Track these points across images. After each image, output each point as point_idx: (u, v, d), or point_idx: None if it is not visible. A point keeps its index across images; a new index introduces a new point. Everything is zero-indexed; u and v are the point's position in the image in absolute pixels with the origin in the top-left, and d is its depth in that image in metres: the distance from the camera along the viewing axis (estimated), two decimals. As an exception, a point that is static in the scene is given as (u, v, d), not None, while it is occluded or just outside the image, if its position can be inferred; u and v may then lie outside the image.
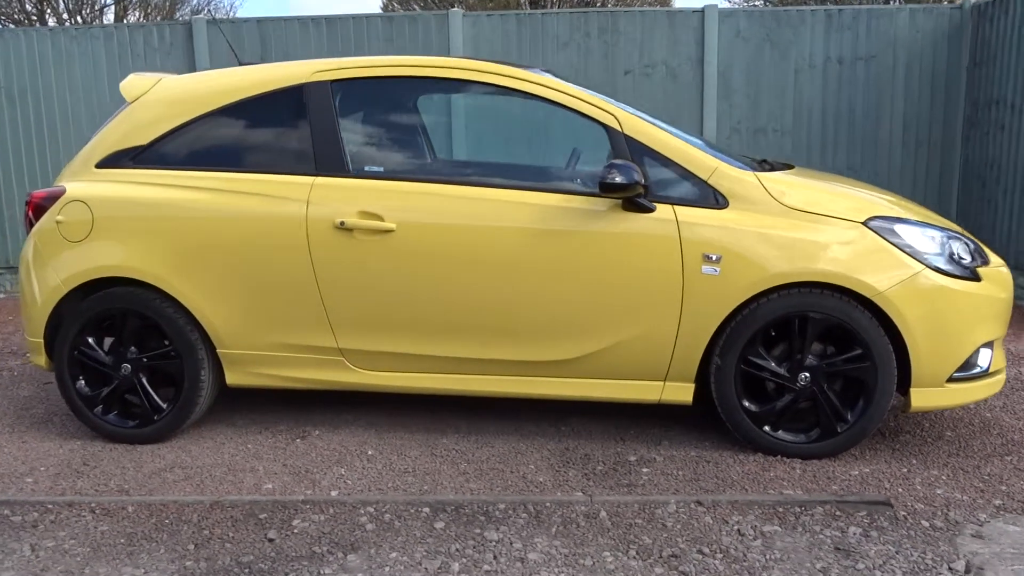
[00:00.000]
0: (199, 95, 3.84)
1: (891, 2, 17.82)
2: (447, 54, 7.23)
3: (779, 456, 3.52)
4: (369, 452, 3.69)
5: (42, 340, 3.90)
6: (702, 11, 7.52)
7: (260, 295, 3.70)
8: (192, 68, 7.61)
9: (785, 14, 7.59)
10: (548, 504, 3.10)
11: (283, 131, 3.79)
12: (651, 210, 3.45)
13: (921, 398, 3.43)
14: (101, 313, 3.81)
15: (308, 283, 3.65)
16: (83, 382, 3.89)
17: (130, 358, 3.84)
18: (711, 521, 2.94)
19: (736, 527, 2.90)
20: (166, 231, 3.72)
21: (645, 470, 3.44)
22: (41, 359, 3.95)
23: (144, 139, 3.86)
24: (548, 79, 3.67)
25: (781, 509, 3.03)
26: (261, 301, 3.71)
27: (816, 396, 3.48)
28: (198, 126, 3.83)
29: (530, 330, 3.56)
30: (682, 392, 3.59)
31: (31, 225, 3.91)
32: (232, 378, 3.84)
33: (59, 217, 3.81)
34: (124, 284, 3.79)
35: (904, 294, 3.31)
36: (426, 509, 3.10)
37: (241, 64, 4.03)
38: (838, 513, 2.98)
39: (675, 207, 3.47)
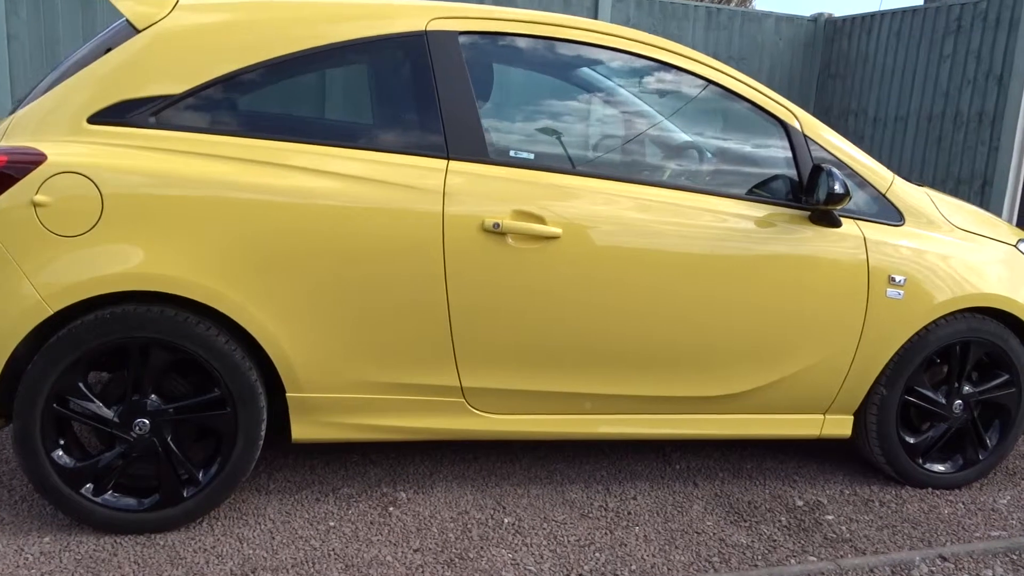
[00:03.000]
0: (267, 30, 2.68)
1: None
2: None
3: (928, 489, 3.34)
4: (506, 520, 2.87)
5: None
6: (600, -6, 7.23)
7: (364, 318, 2.69)
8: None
9: (671, 7, 7.51)
10: (795, 573, 2.60)
11: (397, 94, 2.78)
12: (839, 225, 3.04)
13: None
14: (108, 345, 2.53)
15: (435, 302, 2.72)
16: (62, 451, 2.58)
17: (151, 410, 2.61)
18: (975, 580, 2.66)
19: (1007, 585, 2.65)
20: (225, 225, 2.55)
21: (829, 518, 3.05)
22: (-13, 416, 2.55)
23: (175, 87, 2.61)
24: (725, 66, 3.08)
25: (1015, 555, 2.82)
26: (364, 326, 2.70)
27: (965, 425, 3.34)
28: (265, 75, 2.67)
29: (699, 359, 2.98)
30: (841, 425, 3.25)
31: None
32: (301, 431, 2.77)
33: (39, 197, 2.45)
34: (141, 300, 2.56)
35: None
36: (673, 601, 2.44)
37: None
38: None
39: (859, 222, 3.10)
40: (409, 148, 2.73)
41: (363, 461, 3.27)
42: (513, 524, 2.83)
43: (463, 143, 2.76)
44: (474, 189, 2.72)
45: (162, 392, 2.65)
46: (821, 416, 3.21)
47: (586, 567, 2.60)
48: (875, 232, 3.09)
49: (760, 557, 2.72)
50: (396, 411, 2.82)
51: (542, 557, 2.64)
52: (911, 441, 3.30)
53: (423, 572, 2.52)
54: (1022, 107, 5.91)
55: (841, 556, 2.76)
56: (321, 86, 2.79)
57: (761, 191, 3.05)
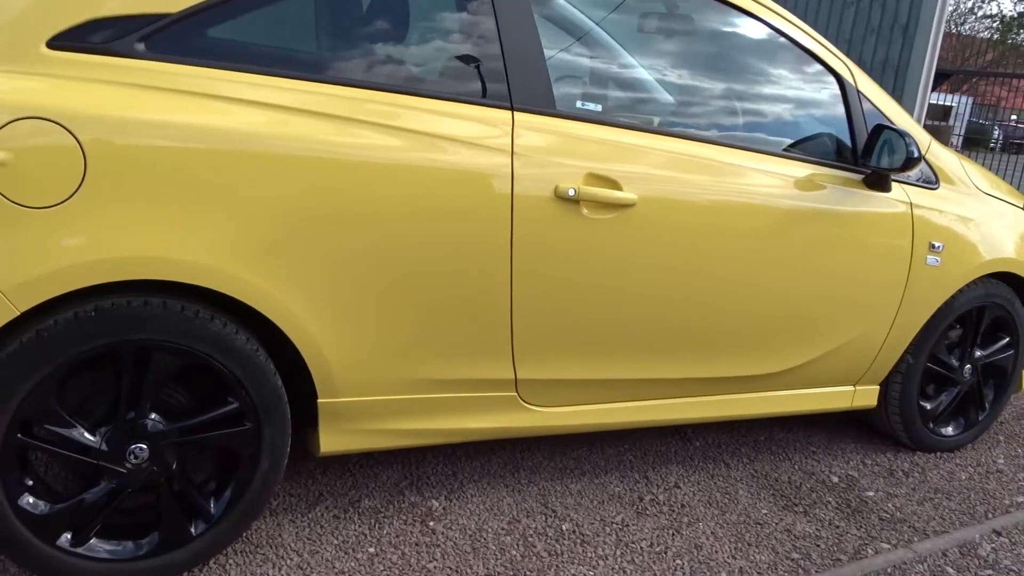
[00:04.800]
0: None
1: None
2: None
3: (936, 453, 3.33)
4: (564, 527, 2.52)
5: (-68, 415, 1.82)
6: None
7: (414, 304, 2.20)
8: None
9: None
10: (881, 565, 2.46)
11: (452, 30, 2.24)
12: (890, 189, 2.86)
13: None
14: (92, 352, 1.89)
15: (497, 281, 2.27)
16: (29, 493, 1.94)
17: (152, 433, 2.01)
18: (1037, 555, 2.64)
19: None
20: (249, 191, 1.95)
21: (870, 494, 2.94)
22: (-81, 454, 1.84)
23: (169, 4, 1.94)
24: (788, 13, 2.76)
25: (1054, 524, 2.84)
26: (413, 314, 2.21)
27: (971, 388, 3.35)
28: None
29: (765, 335, 2.73)
30: (869, 396, 3.14)
31: None
32: (331, 442, 2.25)
33: (-5, 153, 1.74)
34: (132, 291, 1.93)
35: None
36: (785, 613, 2.22)
37: None
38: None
39: (903, 186, 2.93)
40: (467, 95, 2.22)
41: (368, 462, 2.79)
42: (573, 531, 2.49)
43: (529, 91, 2.28)
44: (545, 147, 2.27)
45: (161, 408, 2.04)
46: (852, 388, 3.08)
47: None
48: (918, 196, 2.94)
49: (835, 548, 2.55)
50: (440, 412, 2.37)
51: (624, 571, 2.33)
52: (927, 407, 3.25)
53: (508, 606, 2.13)
54: (926, 57, 6.06)
55: (909, 540, 2.64)
56: (363, 17, 2.19)
57: (810, 152, 2.79)
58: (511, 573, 2.26)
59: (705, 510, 2.70)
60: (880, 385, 3.17)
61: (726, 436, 3.28)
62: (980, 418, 3.39)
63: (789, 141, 2.77)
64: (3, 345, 1.84)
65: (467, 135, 2.17)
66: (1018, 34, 28.14)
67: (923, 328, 3.08)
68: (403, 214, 2.10)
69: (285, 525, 2.39)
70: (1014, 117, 18.09)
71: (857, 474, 3.08)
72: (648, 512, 2.65)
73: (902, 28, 6.16)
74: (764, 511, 2.74)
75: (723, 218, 2.51)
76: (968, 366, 3.28)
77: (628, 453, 3.04)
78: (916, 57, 6.10)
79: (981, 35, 27.35)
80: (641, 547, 2.45)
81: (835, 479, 3.02)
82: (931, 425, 3.28)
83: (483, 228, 2.20)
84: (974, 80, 20.26)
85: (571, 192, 2.26)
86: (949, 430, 3.35)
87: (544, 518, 2.55)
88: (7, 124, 1.74)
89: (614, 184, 2.34)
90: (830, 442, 3.33)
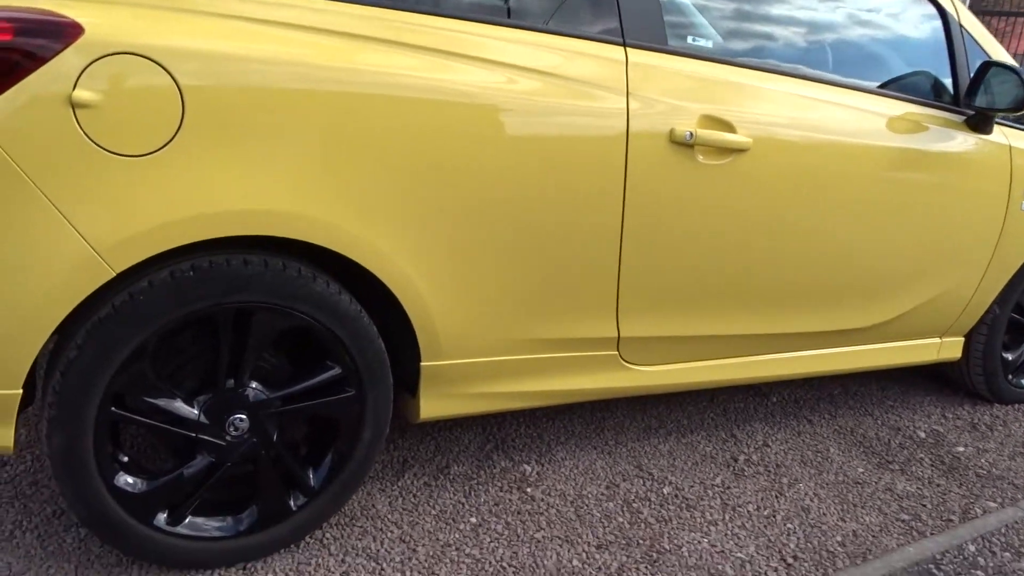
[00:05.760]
0: None
1: None
2: None
3: (1014, 405, 3.25)
4: (665, 491, 2.40)
5: (20, 391, 1.63)
6: None
7: (521, 258, 2.03)
8: None
9: None
10: (995, 525, 2.37)
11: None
12: (991, 131, 2.71)
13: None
14: (190, 317, 1.71)
15: (607, 231, 2.11)
16: (124, 470, 1.78)
17: (253, 402, 1.84)
18: None
19: None
20: (363, 135, 1.76)
21: (961, 449, 2.85)
22: (5, 433, 1.67)
23: (265, -77, 1.72)
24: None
25: None
26: (520, 269, 2.04)
27: (1038, 337, 3.25)
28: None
29: (868, 286, 2.60)
30: (953, 348, 3.03)
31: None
32: (431, 408, 2.10)
33: (80, 94, 1.53)
34: (221, 248, 1.75)
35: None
36: (911, 579, 2.12)
37: None
38: None
39: (1002, 127, 2.78)
40: (578, 30, 2.02)
41: (447, 425, 2.64)
42: (675, 496, 2.37)
43: (641, 26, 2.09)
44: (659, 87, 2.08)
45: (259, 376, 1.87)
46: (938, 340, 2.97)
47: (790, 545, 2.21)
48: (1015, 138, 2.79)
49: (942, 508, 2.46)
50: (541, 373, 2.22)
51: (738, 538, 2.21)
52: (1008, 359, 3.15)
53: (628, 578, 2.01)
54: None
55: (1014, 499, 2.55)
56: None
57: (909, 92, 2.62)
58: (623, 541, 2.14)
59: (801, 470, 2.59)
60: (964, 337, 3.06)
61: (802, 391, 3.17)
62: (1038, 366, 3.31)
63: (887, 79, 2.60)
64: (94, 310, 1.65)
65: (580, 74, 1.98)
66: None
67: (1012, 277, 2.96)
68: (514, 160, 1.92)
69: (376, 495, 2.24)
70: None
71: (942, 429, 2.99)
72: (746, 473, 2.53)
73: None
74: (860, 470, 2.63)
75: (832, 162, 2.35)
76: (1037, 315, 3.18)
77: (708, 410, 2.92)
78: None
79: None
80: (748, 511, 2.34)
81: (922, 434, 2.93)
82: (1010, 377, 3.19)
83: (596, 175, 2.03)
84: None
85: (688, 135, 2.09)
86: (1018, 380, 3.25)
87: (642, 481, 2.42)
88: (95, 61, 1.53)
89: (728, 127, 2.17)
90: (905, 396, 3.23)
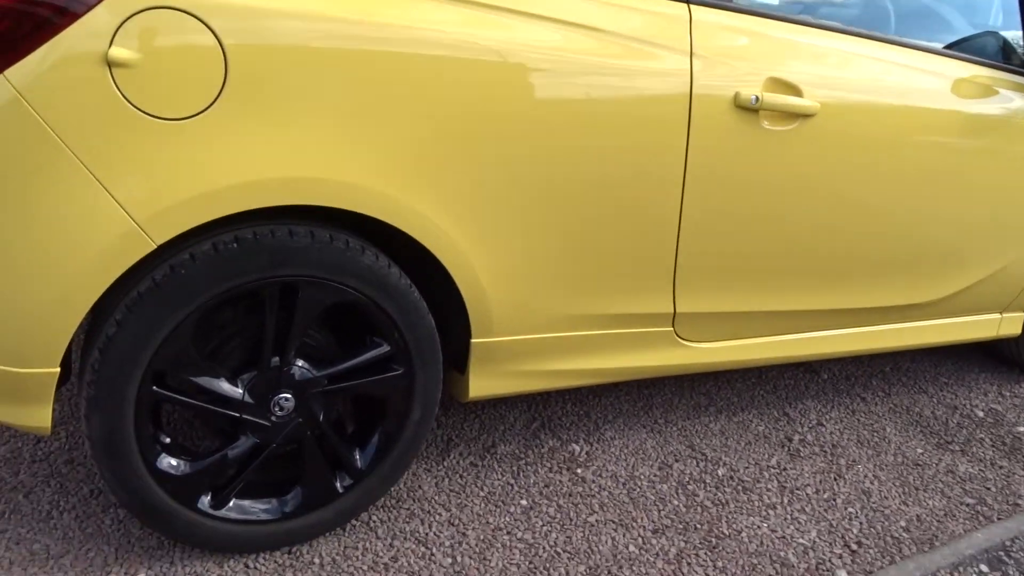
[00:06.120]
0: None
1: None
2: None
3: (1069, 382, 3.13)
4: (720, 472, 2.30)
5: (58, 369, 1.55)
6: None
7: (579, 229, 1.92)
8: None
9: None
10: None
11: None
12: (1062, 95, 2.56)
13: None
14: (233, 293, 1.61)
15: (667, 202, 1.99)
16: (166, 452, 1.70)
17: (299, 381, 1.75)
18: None
19: None
20: (407, 98, 1.65)
21: (1022, 428, 2.74)
22: (43, 413, 1.58)
23: None
24: None
25: None
26: (577, 240, 1.94)
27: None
28: None
29: (936, 259, 2.47)
30: (1014, 324, 2.90)
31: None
32: (480, 386, 2.01)
33: (117, 52, 1.43)
34: (264, 219, 1.65)
35: None
36: (982, 566, 2.02)
37: None
38: None
39: (1074, 92, 2.63)
40: (636, -17, 1.89)
41: (491, 403, 2.56)
42: (731, 477, 2.28)
43: (705, -21, 1.96)
44: (725, 47, 1.96)
45: (304, 354, 1.78)
46: (999, 316, 2.84)
47: (853, 530, 2.11)
48: (1088, 104, 2.63)
49: (1007, 491, 2.35)
50: (593, 351, 2.12)
51: (799, 522, 2.12)
52: (1061, 333, 3.03)
53: (688, 565, 1.92)
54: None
55: (1082, 480, 2.44)
56: None
57: (976, 54, 2.47)
58: (680, 526, 2.05)
59: (858, 450, 2.49)
60: (1024, 312, 2.93)
61: (853, 368, 3.05)
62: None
63: (955, 40, 2.45)
64: (134, 285, 1.56)
65: (641, 32, 1.86)
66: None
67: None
68: (571, 125, 1.80)
69: (422, 475, 2.16)
70: None
71: (1000, 407, 2.87)
72: (802, 454, 2.43)
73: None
74: (919, 451, 2.53)
75: (899, 129, 2.22)
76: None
77: (757, 388, 2.82)
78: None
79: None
80: (807, 494, 2.24)
81: (980, 413, 2.81)
82: (1057, 351, 3.07)
83: (658, 142, 1.91)
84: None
85: (754, 99, 1.96)
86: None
87: (695, 462, 2.33)
88: (132, 16, 1.43)
89: (795, 90, 2.04)
90: (959, 372, 3.12)
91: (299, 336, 1.72)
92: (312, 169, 1.57)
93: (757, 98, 1.96)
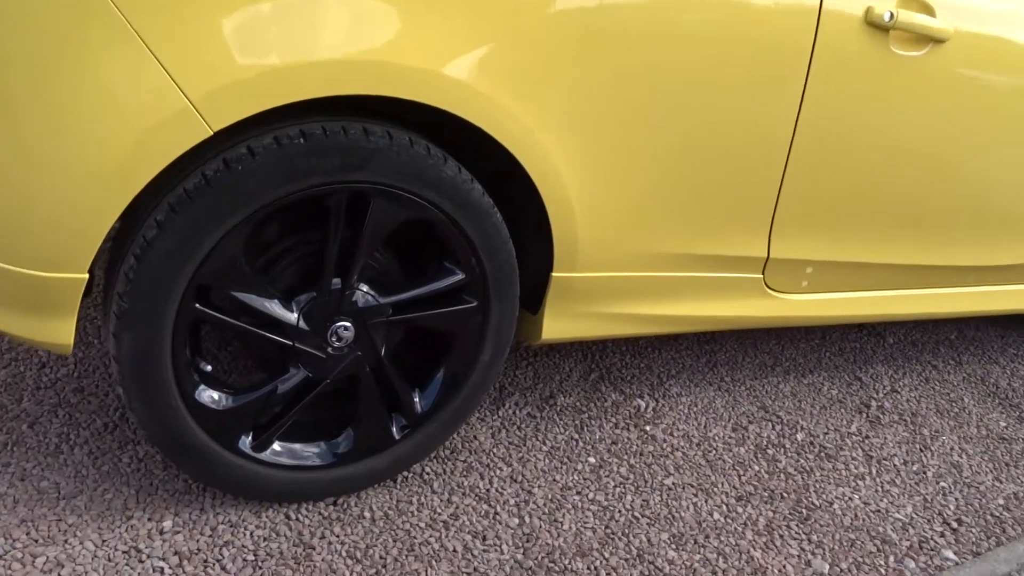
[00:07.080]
0: None
1: None
2: None
3: None
4: (799, 437, 2.10)
5: (86, 275, 1.29)
6: None
7: (677, 154, 1.68)
8: None
9: None
10: None
11: None
12: None
13: None
14: (296, 198, 1.36)
15: (778, 132, 1.75)
16: (205, 383, 1.45)
17: (361, 308, 1.51)
18: None
19: None
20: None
21: (1104, 406, 2.56)
22: (66, 328, 1.33)
23: None
24: None
25: None
26: (674, 168, 1.69)
27: None
28: None
29: (1033, 220, 2.26)
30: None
31: None
32: (555, 328, 1.77)
33: None
34: (346, 115, 1.39)
35: None
36: (1094, 553, 1.83)
37: None
38: None
39: None
40: None
41: (544, 350, 2.32)
42: (811, 443, 2.07)
43: None
44: (858, -46, 1.70)
45: (368, 278, 1.53)
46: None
47: (950, 507, 1.91)
48: None
49: (1102, 472, 2.17)
50: (676, 295, 1.88)
51: (892, 495, 1.92)
52: None
53: (780, 538, 1.71)
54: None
55: None
56: None
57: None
58: (764, 494, 1.84)
59: (940, 420, 2.29)
60: None
61: (918, 333, 2.85)
62: None
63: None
64: (182, 180, 1.30)
65: (772, -74, 1.59)
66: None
67: None
68: (685, 37, 1.55)
69: (476, 424, 1.93)
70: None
71: (1077, 380, 2.69)
72: (882, 421, 2.23)
73: None
74: (1003, 424, 2.33)
75: (1026, 67, 1.98)
76: None
77: (823, 349, 2.60)
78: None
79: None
80: (894, 464, 2.04)
81: (1057, 386, 2.63)
82: None
83: (777, 61, 1.66)
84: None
85: (887, 17, 1.71)
86: None
87: (771, 425, 2.12)
88: None
89: (929, 9, 1.79)
90: (1011, 345, 2.92)
91: (365, 256, 1.47)
92: (395, 55, 1.31)
93: (892, 15, 1.71)
